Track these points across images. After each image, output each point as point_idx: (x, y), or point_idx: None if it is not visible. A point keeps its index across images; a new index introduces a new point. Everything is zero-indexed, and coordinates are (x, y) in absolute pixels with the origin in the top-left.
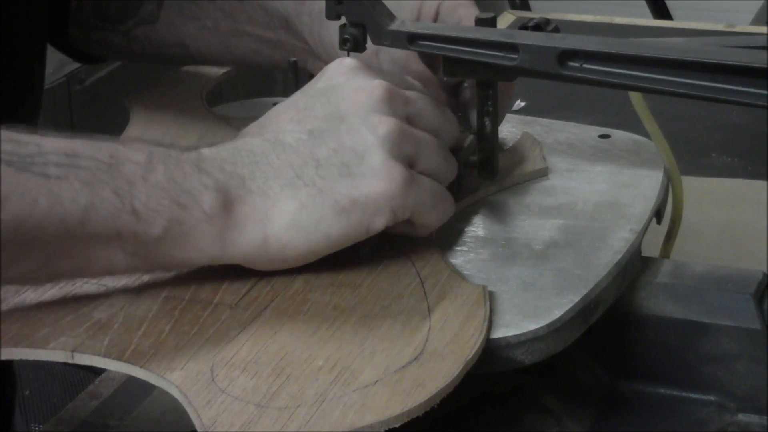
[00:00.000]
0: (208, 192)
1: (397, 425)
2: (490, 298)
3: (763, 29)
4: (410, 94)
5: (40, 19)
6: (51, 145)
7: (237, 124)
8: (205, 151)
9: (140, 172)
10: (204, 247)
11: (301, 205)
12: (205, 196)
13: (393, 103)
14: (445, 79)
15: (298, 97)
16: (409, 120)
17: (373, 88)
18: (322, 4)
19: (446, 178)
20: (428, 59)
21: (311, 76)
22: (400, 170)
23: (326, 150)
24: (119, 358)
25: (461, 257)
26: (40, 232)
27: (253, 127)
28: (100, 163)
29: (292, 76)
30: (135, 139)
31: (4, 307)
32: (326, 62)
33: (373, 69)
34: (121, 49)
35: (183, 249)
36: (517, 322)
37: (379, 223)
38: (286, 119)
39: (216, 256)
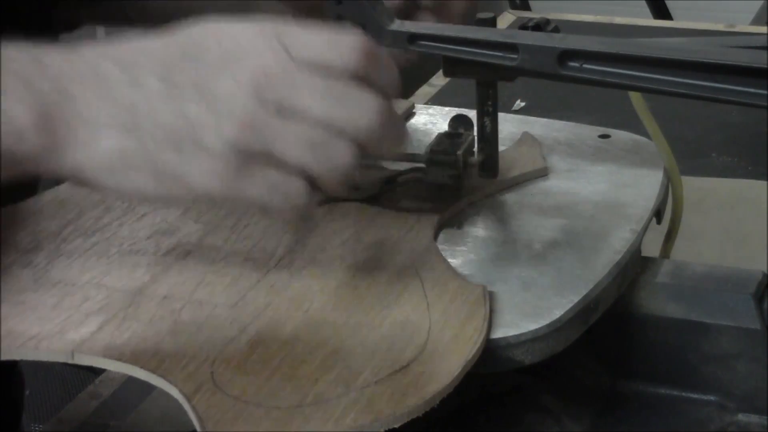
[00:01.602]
0: (23, 110)
1: (397, 425)
2: (490, 298)
3: (763, 29)
4: (300, 78)
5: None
6: None
7: None
8: (47, 59)
9: None
10: (16, 162)
11: (122, 154)
12: (21, 116)
13: (269, 90)
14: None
15: (185, 36)
16: (282, 110)
17: (252, 71)
18: None
19: (323, 170)
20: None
21: None
22: (229, 166)
23: (172, 115)
24: (119, 359)
25: (461, 257)
26: None
27: (124, 41)
28: None
29: None
30: None
31: (4, 307)
32: None
33: (283, 36)
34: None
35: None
36: (517, 322)
37: (192, 200)
38: (156, 54)
39: (29, 171)
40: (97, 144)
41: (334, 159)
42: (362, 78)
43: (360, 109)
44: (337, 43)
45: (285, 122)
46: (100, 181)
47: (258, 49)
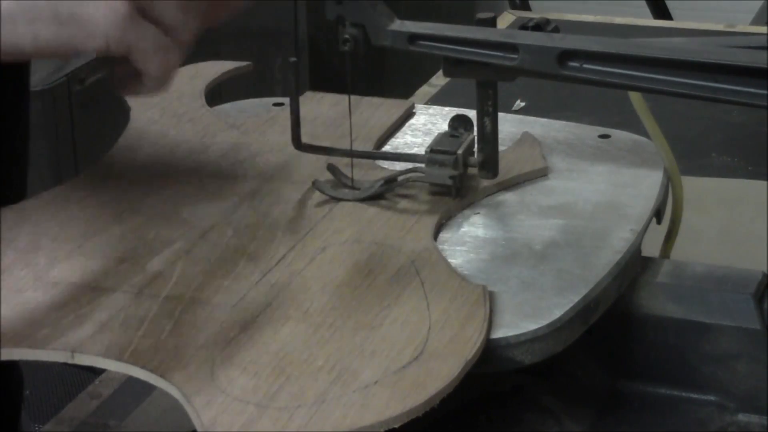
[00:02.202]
0: None
1: (397, 425)
2: (490, 298)
3: (763, 29)
4: None
5: None
6: None
7: (237, 124)
8: None
9: None
10: None
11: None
12: None
13: None
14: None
15: None
16: None
17: None
18: None
19: (181, 33)
20: None
21: (311, 77)
22: (125, 5)
23: None
24: (119, 359)
25: (461, 257)
26: None
27: None
28: None
29: (293, 76)
30: None
31: (4, 307)
32: None
33: None
34: None
35: None
36: (517, 322)
37: (91, 46)
38: None
39: None
40: None
41: (190, 20)
42: None
43: None
44: None
45: None
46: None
47: None
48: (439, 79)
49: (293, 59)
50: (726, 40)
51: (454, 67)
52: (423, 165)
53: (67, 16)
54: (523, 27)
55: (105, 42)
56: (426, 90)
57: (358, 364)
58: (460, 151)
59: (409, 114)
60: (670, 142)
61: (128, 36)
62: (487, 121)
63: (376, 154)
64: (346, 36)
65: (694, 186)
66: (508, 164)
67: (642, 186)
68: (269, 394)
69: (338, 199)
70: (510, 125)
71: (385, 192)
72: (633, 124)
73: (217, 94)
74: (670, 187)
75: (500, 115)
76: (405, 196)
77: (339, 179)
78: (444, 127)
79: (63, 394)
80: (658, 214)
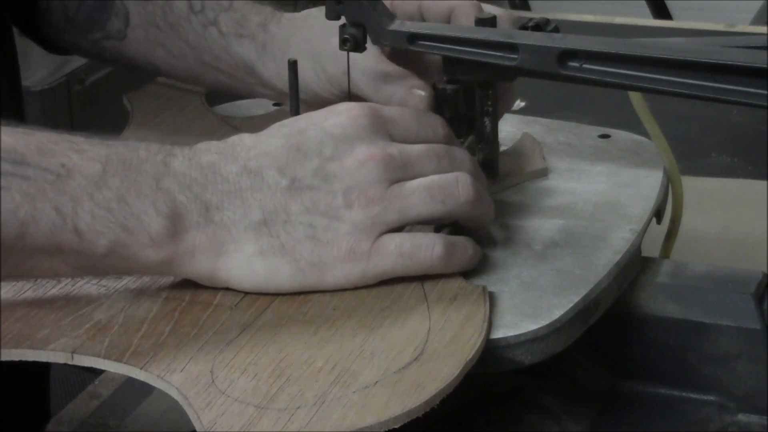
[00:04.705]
0: (158, 218)
1: (397, 426)
2: (490, 298)
3: (763, 29)
4: (412, 152)
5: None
6: (2, 147)
7: (237, 124)
8: (176, 164)
9: (89, 188)
10: (150, 266)
11: (259, 252)
12: (154, 223)
13: (386, 173)
14: (445, 80)
15: (297, 133)
16: (400, 180)
17: (368, 158)
18: (285, 49)
19: (454, 207)
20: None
21: None
22: (363, 246)
23: (299, 207)
24: (119, 360)
25: None
26: None
27: (240, 144)
28: (48, 173)
29: (292, 76)
30: (100, 141)
31: (4, 307)
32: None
33: (384, 123)
34: (91, 54)
35: (128, 267)
36: (517, 322)
37: (333, 287)
38: (275, 153)
39: (163, 273)
40: (235, 246)
41: (460, 192)
42: (446, 140)
43: (460, 153)
44: (425, 118)
45: (404, 188)
46: (237, 280)
47: (368, 137)
48: None
49: (293, 59)
50: (726, 40)
51: (454, 67)
52: None
53: (307, 267)
54: (523, 27)
55: (348, 282)
56: None
57: (357, 365)
58: None
59: None
60: (670, 142)
61: (370, 270)
62: (487, 121)
63: None
64: (346, 36)
65: (694, 186)
66: (508, 164)
67: (642, 186)
68: (269, 395)
69: None
70: (510, 125)
71: None
72: (633, 124)
73: (217, 94)
74: (670, 187)
75: None
76: None
77: None
78: None
79: (63, 394)
80: (658, 214)
